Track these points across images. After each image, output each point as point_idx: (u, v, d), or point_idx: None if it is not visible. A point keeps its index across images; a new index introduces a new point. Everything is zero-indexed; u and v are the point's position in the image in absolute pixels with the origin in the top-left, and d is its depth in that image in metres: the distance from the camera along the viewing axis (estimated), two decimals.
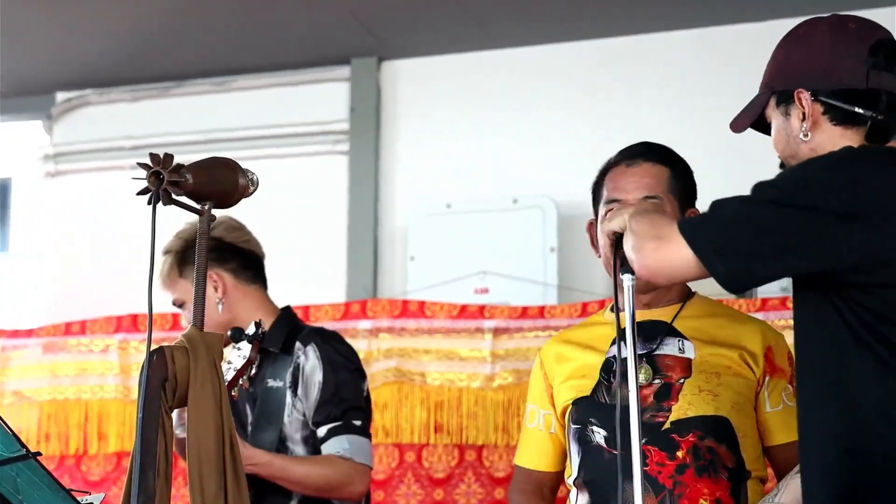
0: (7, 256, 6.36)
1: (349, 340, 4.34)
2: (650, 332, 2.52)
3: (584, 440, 2.52)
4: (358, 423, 3.01)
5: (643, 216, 2.11)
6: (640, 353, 2.48)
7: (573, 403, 2.56)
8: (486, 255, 4.89)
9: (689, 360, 2.47)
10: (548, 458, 2.69)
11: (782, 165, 2.29)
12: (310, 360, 3.03)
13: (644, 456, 2.35)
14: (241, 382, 2.76)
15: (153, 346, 1.83)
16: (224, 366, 2.71)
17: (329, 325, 4.42)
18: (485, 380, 4.22)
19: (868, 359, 1.94)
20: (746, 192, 2.02)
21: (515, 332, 4.27)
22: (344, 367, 3.08)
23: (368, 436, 3.04)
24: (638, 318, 2.49)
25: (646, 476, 2.34)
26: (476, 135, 5.37)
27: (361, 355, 4.32)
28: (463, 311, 4.34)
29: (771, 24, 5.05)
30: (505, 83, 5.38)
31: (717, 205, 2.03)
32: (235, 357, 2.72)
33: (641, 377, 2.45)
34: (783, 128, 2.19)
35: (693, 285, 2.61)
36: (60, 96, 6.04)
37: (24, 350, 4.75)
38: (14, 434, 2.52)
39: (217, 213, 1.93)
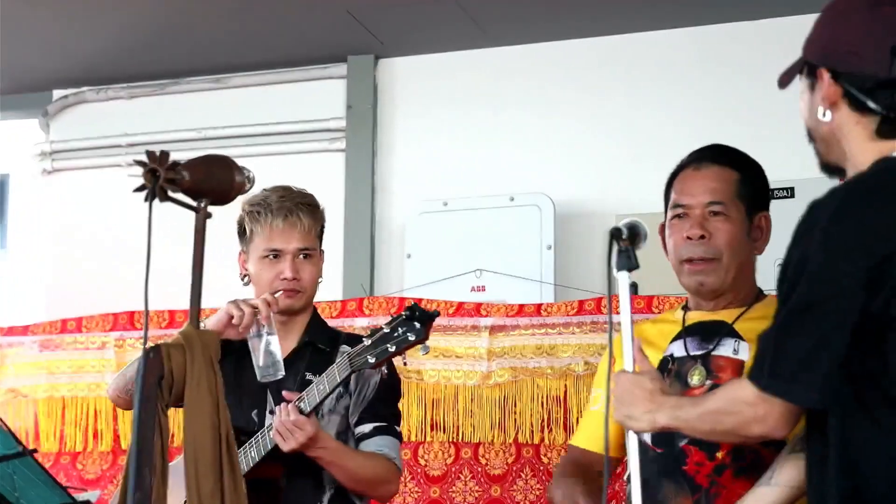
0: (4, 254, 6.35)
1: None
2: (710, 333, 2.52)
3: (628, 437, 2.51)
4: (398, 428, 3.05)
5: (677, 418, 2.09)
6: (697, 353, 2.50)
7: None
8: (482, 253, 4.88)
9: (741, 362, 2.45)
10: (603, 440, 2.64)
11: (810, 134, 2.20)
12: None
13: (684, 455, 2.40)
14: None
15: (150, 344, 1.83)
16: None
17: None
18: (481, 377, 4.22)
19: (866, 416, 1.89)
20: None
21: (512, 330, 4.27)
22: (395, 374, 3.11)
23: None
24: (701, 319, 2.56)
25: (683, 475, 2.39)
26: (473, 133, 5.37)
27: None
28: (459, 309, 4.35)
29: (770, 21, 5.06)
30: (502, 81, 5.37)
31: (764, 341, 1.98)
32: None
33: (695, 378, 2.47)
34: (808, 100, 2.14)
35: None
36: (57, 94, 6.03)
37: (19, 347, 4.74)
38: (11, 432, 2.53)
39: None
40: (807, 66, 2.14)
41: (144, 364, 1.78)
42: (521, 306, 4.34)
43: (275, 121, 5.63)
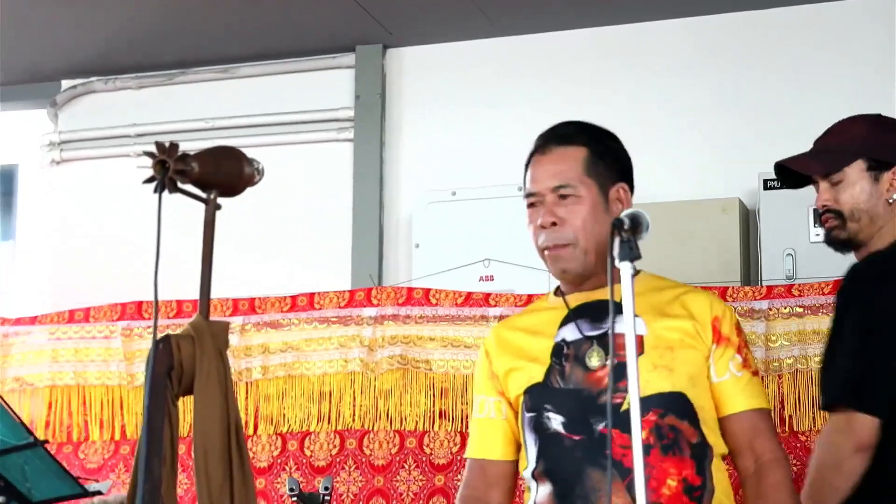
0: (12, 244, 6.36)
1: (354, 328, 4.37)
2: (599, 313, 2.46)
3: (540, 428, 2.45)
4: None
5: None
6: (592, 334, 2.46)
7: (526, 391, 2.50)
8: (491, 243, 4.88)
9: (641, 337, 2.40)
10: (501, 446, 2.58)
11: (819, 213, 2.79)
12: None
13: (605, 438, 2.33)
14: None
15: (159, 335, 1.83)
16: None
17: (334, 313, 4.43)
18: None
19: None
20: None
21: None
22: None
23: None
24: (584, 301, 2.51)
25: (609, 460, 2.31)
26: (481, 122, 5.37)
27: (366, 342, 4.34)
28: (468, 299, 4.34)
29: (773, 11, 5.05)
30: (510, 71, 5.37)
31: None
32: None
33: (594, 359, 2.43)
34: (868, 188, 2.70)
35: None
36: (65, 84, 6.04)
37: (27, 336, 4.75)
38: (22, 422, 2.54)
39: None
40: (869, 161, 2.71)
41: (154, 355, 1.79)
42: (530, 296, 4.33)
43: (283, 111, 5.63)
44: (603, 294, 2.46)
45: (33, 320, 4.83)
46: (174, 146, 1.82)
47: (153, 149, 1.82)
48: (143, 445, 1.71)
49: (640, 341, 2.40)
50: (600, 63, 5.26)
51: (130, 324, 4.64)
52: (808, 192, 4.45)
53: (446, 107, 5.45)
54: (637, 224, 2.20)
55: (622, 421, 2.30)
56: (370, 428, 4.32)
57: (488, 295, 4.38)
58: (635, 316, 2.38)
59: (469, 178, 5.21)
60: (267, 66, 5.71)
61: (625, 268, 2.10)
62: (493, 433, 2.60)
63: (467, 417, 4.22)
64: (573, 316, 2.51)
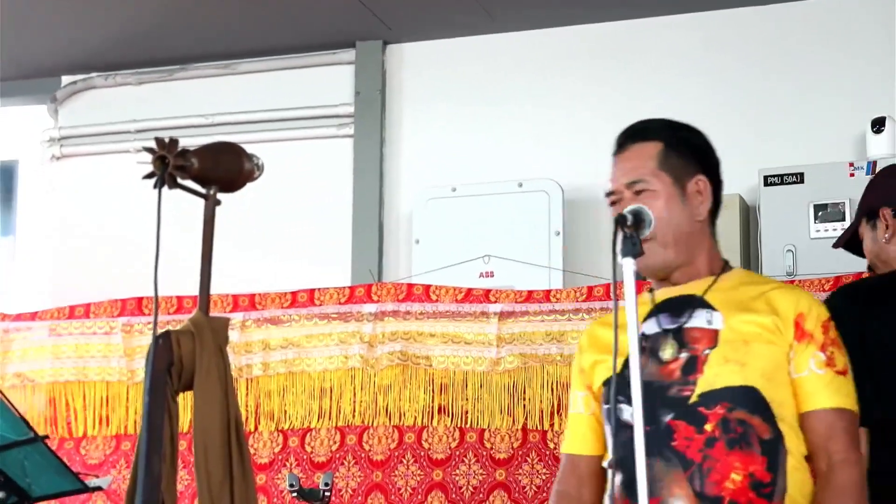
0: (12, 240, 6.35)
1: (354, 324, 4.37)
2: (680, 307, 2.48)
3: (614, 419, 2.46)
4: None
5: None
6: (669, 328, 2.46)
7: (604, 384, 2.53)
8: (491, 239, 4.88)
9: (716, 332, 2.41)
10: (590, 441, 2.61)
11: (870, 268, 3.11)
12: None
13: (671, 431, 2.35)
14: None
15: (159, 331, 1.83)
16: None
17: (334, 309, 4.43)
18: (490, 363, 4.22)
19: None
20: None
21: (521, 316, 4.27)
22: None
23: None
24: (670, 295, 2.52)
25: (674, 451, 2.34)
26: (481, 118, 5.37)
27: (366, 338, 4.34)
28: (468, 295, 4.34)
29: (773, 7, 5.06)
30: (511, 67, 5.37)
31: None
32: None
33: (668, 352, 2.43)
34: (871, 236, 3.06)
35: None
36: (65, 80, 6.04)
37: (27, 332, 4.75)
38: (23, 418, 2.54)
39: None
40: (867, 214, 3.06)
41: (154, 351, 1.78)
42: (530, 292, 4.34)
43: (283, 107, 5.63)
44: (688, 288, 2.51)
45: (33, 316, 4.83)
46: (174, 142, 1.81)
47: (153, 145, 1.82)
48: (143, 442, 1.71)
49: (714, 335, 2.42)
50: (600, 59, 5.25)
51: (131, 320, 4.64)
52: (808, 188, 4.47)
53: (446, 103, 5.44)
54: (640, 220, 2.19)
55: (689, 413, 2.36)
56: (370, 423, 4.32)
57: (488, 291, 4.38)
58: (713, 310, 2.44)
59: (469, 175, 5.20)
60: (267, 62, 5.71)
61: (627, 264, 2.10)
62: (582, 428, 2.62)
63: (467, 413, 4.23)
64: (656, 311, 2.51)
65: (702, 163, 2.58)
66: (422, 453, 4.26)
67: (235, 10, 5.22)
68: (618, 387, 2.46)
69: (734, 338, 2.41)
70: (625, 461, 2.41)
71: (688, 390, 2.37)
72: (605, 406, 2.52)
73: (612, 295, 2.05)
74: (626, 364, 2.49)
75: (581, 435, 2.63)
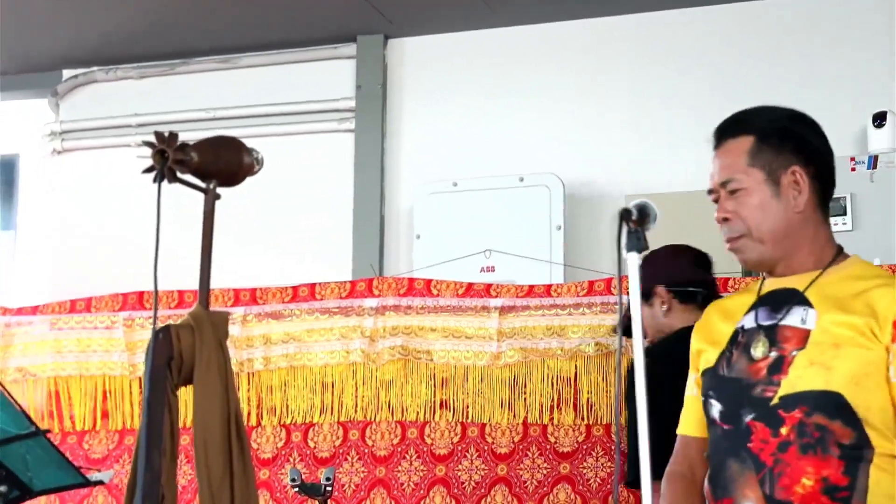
0: (13, 234, 6.36)
1: (355, 318, 4.37)
2: (780, 302, 2.43)
3: (707, 413, 2.48)
4: None
5: None
6: (765, 324, 2.43)
7: (702, 374, 2.52)
8: (492, 234, 4.88)
9: (807, 332, 2.36)
10: (702, 423, 2.56)
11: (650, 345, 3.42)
12: None
13: (750, 432, 2.34)
14: None
15: (160, 325, 1.82)
16: None
17: (335, 303, 4.43)
18: (491, 358, 4.22)
19: None
20: None
21: (522, 311, 4.26)
22: None
23: None
24: (775, 287, 2.48)
25: (749, 453, 2.33)
26: (483, 113, 5.36)
27: (368, 333, 4.34)
28: (469, 290, 4.34)
29: (775, 2, 5.05)
30: (512, 61, 5.36)
31: None
32: None
33: (759, 350, 2.40)
34: (649, 314, 3.43)
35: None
36: (67, 73, 6.04)
37: (28, 327, 4.75)
38: (24, 412, 2.53)
39: None
40: (642, 295, 3.06)
41: (153, 345, 1.78)
42: (531, 287, 4.33)
43: (284, 101, 5.63)
44: (792, 282, 2.46)
45: (35, 310, 4.83)
46: (173, 136, 1.81)
47: (153, 139, 1.82)
48: (143, 436, 1.71)
49: (804, 336, 2.37)
50: (602, 54, 5.25)
51: (132, 314, 4.63)
52: None
53: (448, 97, 5.44)
54: (645, 215, 2.18)
55: (768, 415, 2.33)
56: (372, 419, 4.32)
57: (489, 285, 4.38)
58: (809, 307, 2.39)
59: (470, 169, 5.20)
60: (268, 57, 5.71)
61: (632, 258, 2.09)
62: (694, 410, 2.60)
63: (468, 408, 4.23)
64: (758, 304, 2.49)
65: (799, 152, 2.52)
66: (424, 449, 4.26)
67: (236, 4, 5.22)
68: (710, 381, 2.48)
69: (824, 339, 2.36)
70: (711, 456, 2.45)
71: (771, 391, 2.35)
72: (702, 398, 2.51)
73: (613, 290, 2.04)
74: (720, 358, 2.47)
75: (693, 417, 2.59)
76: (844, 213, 4.32)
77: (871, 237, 4.29)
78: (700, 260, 3.57)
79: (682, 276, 3.49)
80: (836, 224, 4.28)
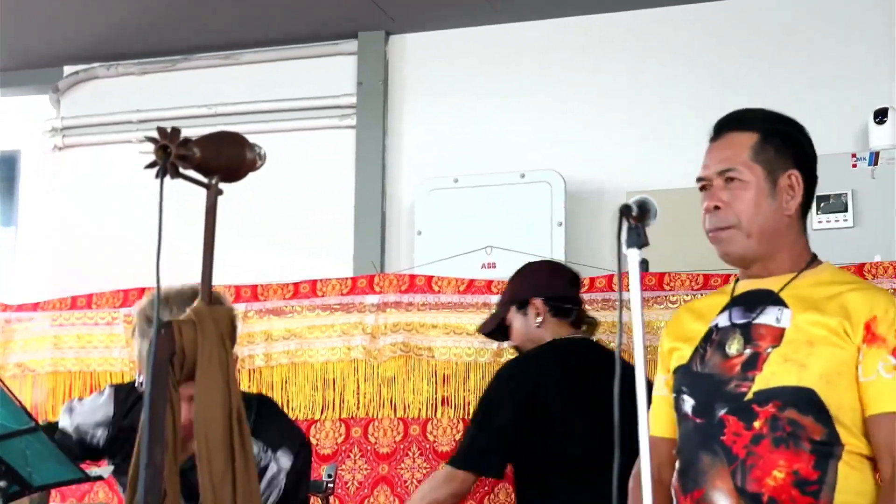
0: (14, 230, 6.36)
1: (357, 315, 4.37)
2: (754, 302, 2.49)
3: (678, 409, 2.52)
4: None
5: None
6: (739, 322, 2.48)
7: (673, 372, 2.56)
8: (493, 230, 4.88)
9: (782, 330, 2.42)
10: (670, 424, 2.61)
11: (517, 349, 3.65)
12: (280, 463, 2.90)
13: (723, 425, 2.38)
14: None
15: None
16: None
17: (336, 300, 4.43)
18: (493, 354, 4.22)
19: None
20: None
21: None
22: (304, 454, 2.98)
23: None
24: (749, 288, 2.53)
25: (721, 445, 2.37)
26: (484, 109, 5.36)
27: (369, 330, 4.34)
28: (470, 286, 4.34)
29: None
30: (513, 57, 5.36)
31: None
32: None
33: (733, 347, 2.45)
34: (522, 322, 3.58)
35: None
36: (68, 69, 6.04)
37: (29, 323, 4.75)
38: (23, 407, 2.53)
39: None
40: (518, 303, 3.61)
41: (156, 340, 1.78)
42: None
43: (285, 97, 5.63)
44: (767, 283, 2.51)
45: (35, 306, 4.83)
46: (176, 131, 1.81)
47: (155, 134, 1.82)
48: (145, 431, 1.71)
49: (779, 333, 2.42)
50: (603, 50, 5.25)
51: (133, 310, 4.63)
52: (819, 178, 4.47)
53: (449, 93, 5.44)
54: (645, 211, 2.19)
55: (741, 409, 2.38)
56: (374, 416, 4.32)
57: (490, 282, 4.38)
58: (785, 307, 2.44)
59: (471, 166, 5.20)
60: (269, 53, 5.71)
61: (632, 254, 2.09)
62: (662, 410, 2.63)
63: (469, 405, 4.23)
64: (731, 304, 2.53)
65: (797, 157, 2.56)
66: (427, 446, 4.26)
67: (238, 0, 5.22)
68: (683, 378, 2.52)
69: (798, 337, 2.41)
70: (681, 450, 2.49)
71: (745, 386, 2.40)
72: (673, 395, 2.55)
73: (614, 286, 2.05)
74: (693, 355, 2.52)
75: (660, 417, 2.63)
76: (845, 210, 4.32)
77: (871, 234, 4.29)
78: (575, 280, 3.71)
79: (560, 291, 3.61)
80: (837, 221, 4.30)
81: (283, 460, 2.85)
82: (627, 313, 2.12)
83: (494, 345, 4.20)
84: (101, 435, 3.04)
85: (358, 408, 4.34)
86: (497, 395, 3.46)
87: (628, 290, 2.16)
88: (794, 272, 2.52)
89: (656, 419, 2.65)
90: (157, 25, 5.51)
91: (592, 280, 4.22)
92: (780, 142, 2.55)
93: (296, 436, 2.97)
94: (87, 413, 3.06)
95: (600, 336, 4.09)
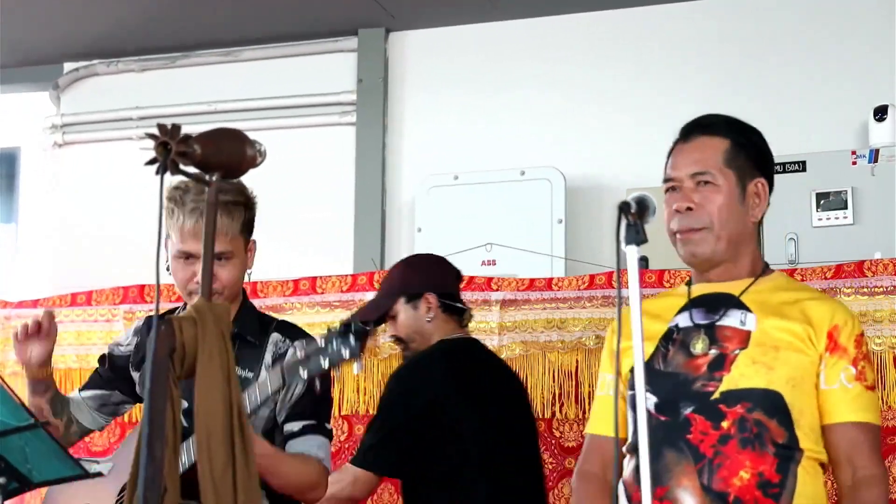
0: (14, 227, 6.36)
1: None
2: (716, 304, 2.52)
3: (636, 406, 2.51)
4: (328, 425, 2.94)
5: None
6: (702, 323, 2.51)
7: (631, 370, 2.51)
8: (493, 227, 4.88)
9: (748, 333, 2.46)
10: (613, 423, 2.58)
11: (399, 340, 3.58)
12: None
13: (689, 424, 2.41)
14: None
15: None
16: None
17: (336, 297, 4.43)
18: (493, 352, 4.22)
19: None
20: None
21: (523, 304, 4.27)
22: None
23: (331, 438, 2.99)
24: (706, 291, 2.57)
25: (687, 444, 2.39)
26: (484, 106, 5.36)
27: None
28: (470, 283, 4.34)
29: None
30: (513, 54, 5.36)
31: None
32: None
33: (698, 346, 2.48)
34: (411, 315, 3.50)
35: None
36: (68, 66, 6.03)
37: (28, 320, 4.74)
38: (23, 403, 2.53)
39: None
40: (409, 295, 3.52)
41: (156, 337, 1.78)
42: (532, 280, 4.34)
43: (285, 94, 5.63)
44: (726, 287, 2.56)
45: (35, 303, 4.83)
46: (176, 128, 1.81)
47: (155, 131, 1.82)
48: (145, 427, 1.71)
49: (745, 336, 2.46)
50: (603, 47, 5.25)
51: (133, 307, 4.63)
52: (810, 176, 4.47)
53: (449, 90, 5.44)
54: (644, 208, 2.19)
55: (708, 408, 2.41)
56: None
57: (490, 279, 4.38)
58: (748, 311, 2.48)
59: (471, 163, 5.20)
60: (270, 50, 5.71)
61: (631, 251, 2.09)
62: (609, 410, 2.63)
63: None
64: (690, 305, 2.57)
65: (762, 165, 2.62)
66: None
67: None
68: (645, 376, 2.51)
69: (765, 341, 2.45)
70: (638, 448, 2.46)
71: (712, 386, 2.43)
72: (630, 392, 2.54)
73: (614, 283, 2.05)
74: (654, 353, 2.54)
75: (607, 417, 2.64)
76: (845, 207, 4.32)
77: (871, 231, 4.29)
78: (459, 276, 3.68)
79: (452, 289, 3.59)
80: (836, 218, 4.30)
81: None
82: (626, 310, 2.12)
83: (494, 341, 4.20)
84: (129, 341, 3.26)
85: (359, 405, 4.34)
86: (395, 397, 3.41)
87: (627, 287, 2.16)
88: (752, 278, 2.57)
89: (600, 418, 2.68)
90: (157, 22, 5.51)
91: (593, 277, 4.22)
92: (750, 150, 2.61)
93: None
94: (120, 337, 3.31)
95: (600, 334, 4.10)
